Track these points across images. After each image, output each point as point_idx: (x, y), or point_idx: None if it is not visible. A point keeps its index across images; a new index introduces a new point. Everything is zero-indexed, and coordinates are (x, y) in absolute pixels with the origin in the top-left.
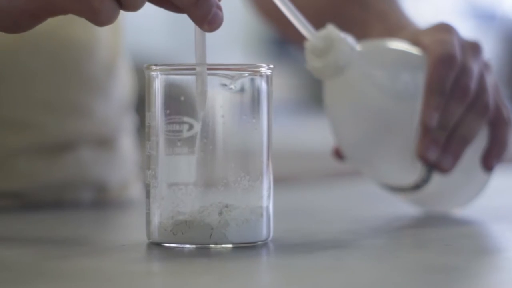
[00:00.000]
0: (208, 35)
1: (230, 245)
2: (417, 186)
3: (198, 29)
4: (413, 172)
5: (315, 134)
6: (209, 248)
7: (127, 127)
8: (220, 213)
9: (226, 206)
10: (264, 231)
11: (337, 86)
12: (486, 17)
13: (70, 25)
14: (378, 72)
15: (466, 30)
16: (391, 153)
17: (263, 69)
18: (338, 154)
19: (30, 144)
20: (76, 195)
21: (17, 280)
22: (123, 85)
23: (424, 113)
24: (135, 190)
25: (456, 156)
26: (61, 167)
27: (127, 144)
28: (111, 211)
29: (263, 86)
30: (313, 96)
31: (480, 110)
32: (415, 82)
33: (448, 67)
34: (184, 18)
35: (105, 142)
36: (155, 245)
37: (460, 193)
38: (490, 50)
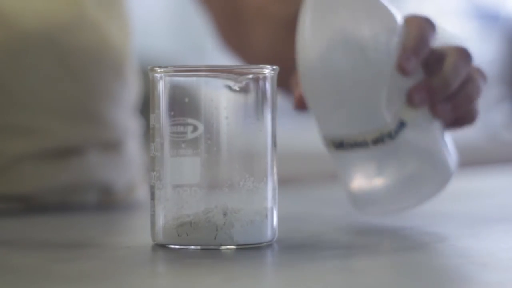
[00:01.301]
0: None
1: (235, 247)
2: (381, 139)
3: None
4: (378, 122)
5: (317, 135)
6: (214, 249)
7: (134, 129)
8: (225, 215)
9: (231, 208)
10: (269, 232)
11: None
12: (489, 18)
13: (77, 30)
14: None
15: (469, 30)
16: (356, 98)
17: (266, 71)
18: (300, 102)
19: (36, 149)
20: (82, 197)
21: (22, 282)
22: (130, 88)
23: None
24: (141, 192)
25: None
26: (67, 170)
27: (133, 146)
28: (117, 214)
29: (267, 87)
30: None
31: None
32: (389, 38)
33: (430, 30)
34: (188, 19)
35: (111, 145)
36: (160, 247)
37: (417, 188)
38: (493, 51)
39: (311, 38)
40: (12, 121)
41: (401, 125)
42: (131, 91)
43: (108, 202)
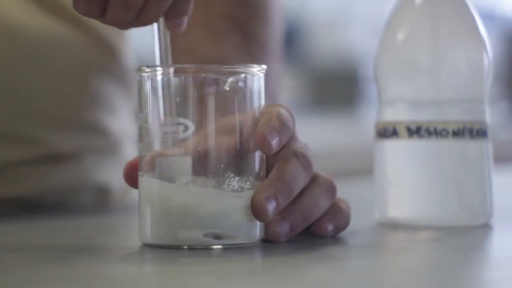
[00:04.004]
0: None
1: (223, 246)
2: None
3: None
4: None
5: (315, 135)
6: (202, 249)
7: (131, 131)
8: (213, 214)
9: (219, 207)
10: (258, 231)
11: None
12: (486, 17)
13: (77, 41)
14: None
15: None
16: None
17: (255, 70)
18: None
19: (33, 156)
20: (78, 198)
21: (16, 282)
22: (130, 95)
23: None
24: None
25: None
26: (63, 172)
27: (130, 147)
28: (113, 214)
29: (255, 86)
30: (313, 97)
31: None
32: None
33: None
34: None
35: (108, 149)
36: (149, 247)
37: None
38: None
39: None
40: (8, 130)
41: None
42: (131, 98)
43: (104, 202)
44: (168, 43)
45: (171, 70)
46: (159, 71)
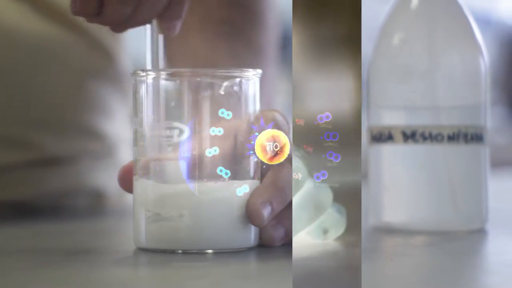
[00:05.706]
0: None
1: (218, 251)
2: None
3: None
4: None
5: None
6: (196, 253)
7: (127, 135)
8: (208, 219)
9: (214, 211)
10: (252, 237)
11: None
12: (481, 22)
13: (73, 45)
14: None
15: None
16: None
17: (250, 74)
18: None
19: (28, 159)
20: (73, 202)
21: (8, 285)
22: (126, 99)
23: None
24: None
25: None
26: (59, 176)
27: (125, 151)
28: (108, 218)
29: (250, 91)
30: None
31: None
32: None
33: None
34: None
35: (103, 153)
36: (144, 251)
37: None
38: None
39: None
40: (3, 133)
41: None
42: (127, 102)
43: (99, 206)
44: (160, 46)
45: (163, 74)
46: (154, 75)
